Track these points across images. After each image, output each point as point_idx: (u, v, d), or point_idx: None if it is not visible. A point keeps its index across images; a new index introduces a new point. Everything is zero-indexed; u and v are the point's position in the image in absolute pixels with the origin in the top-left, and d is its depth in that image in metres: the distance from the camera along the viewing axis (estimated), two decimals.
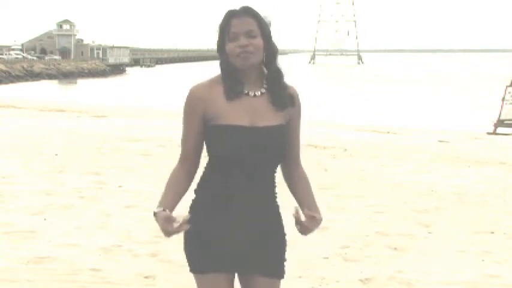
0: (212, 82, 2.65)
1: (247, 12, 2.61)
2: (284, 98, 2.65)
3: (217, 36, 2.64)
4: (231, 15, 2.60)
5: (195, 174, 2.70)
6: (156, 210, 2.58)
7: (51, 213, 6.98)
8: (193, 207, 2.67)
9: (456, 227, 6.93)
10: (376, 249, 6.03)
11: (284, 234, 2.74)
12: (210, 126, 2.60)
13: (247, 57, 2.57)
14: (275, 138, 2.61)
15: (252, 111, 2.60)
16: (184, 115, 2.66)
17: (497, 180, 9.95)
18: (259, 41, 2.59)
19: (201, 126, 2.62)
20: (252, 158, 2.57)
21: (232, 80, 2.61)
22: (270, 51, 2.64)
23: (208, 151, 2.65)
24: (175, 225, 2.52)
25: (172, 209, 2.61)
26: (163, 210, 2.57)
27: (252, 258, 2.65)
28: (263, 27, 2.61)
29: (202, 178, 2.68)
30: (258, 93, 2.64)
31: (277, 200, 2.73)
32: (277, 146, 2.62)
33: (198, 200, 2.67)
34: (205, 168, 2.68)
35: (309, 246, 5.35)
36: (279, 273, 2.72)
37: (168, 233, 2.56)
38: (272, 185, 2.69)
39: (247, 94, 2.62)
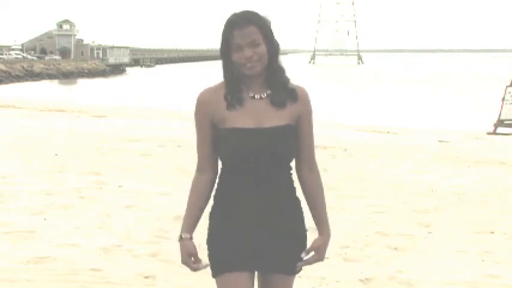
0: (219, 86, 2.69)
1: (248, 20, 2.60)
2: (282, 96, 2.66)
3: (220, 44, 2.65)
4: (232, 26, 2.60)
5: (215, 180, 2.74)
6: (183, 236, 2.69)
7: (51, 213, 6.98)
8: (212, 213, 2.73)
9: (456, 227, 6.93)
10: (376, 249, 6.03)
11: (303, 231, 2.75)
12: (217, 130, 2.65)
13: (254, 66, 2.60)
14: (281, 138, 2.63)
15: (257, 113, 2.63)
16: (195, 121, 2.70)
17: (497, 180, 9.95)
18: (262, 48, 2.60)
19: (212, 130, 2.67)
20: (259, 158, 2.60)
21: (233, 88, 2.64)
22: (272, 51, 2.65)
23: (219, 155, 2.69)
24: (196, 264, 2.69)
25: (196, 224, 2.72)
26: (191, 238, 2.69)
27: (270, 258, 2.67)
28: (265, 31, 2.62)
29: (218, 183, 2.72)
30: (264, 95, 2.66)
31: (297, 195, 2.73)
32: (284, 145, 2.64)
33: (216, 204, 2.71)
34: (221, 172, 2.72)
35: (309, 246, 5.35)
36: (295, 269, 2.76)
37: (186, 264, 2.71)
38: (287, 182, 2.70)
39: (253, 97, 2.65)
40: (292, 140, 2.67)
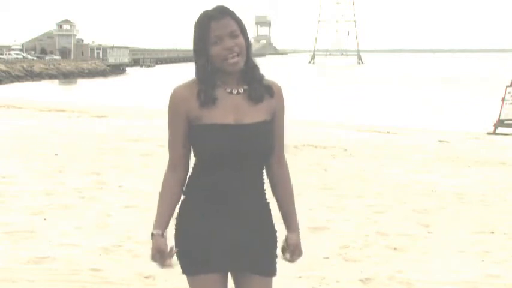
0: (194, 82, 2.64)
1: (225, 12, 2.59)
2: (259, 91, 2.64)
3: (194, 40, 2.62)
4: (209, 19, 2.57)
5: (186, 178, 2.69)
6: (155, 232, 2.63)
7: (51, 213, 6.98)
8: (183, 209, 2.68)
9: (456, 227, 6.93)
10: (376, 249, 6.03)
11: (274, 231, 2.73)
12: (194, 126, 2.61)
13: (236, 62, 2.57)
14: (261, 134, 2.61)
15: (235, 109, 2.61)
16: (169, 119, 2.66)
17: (497, 180, 9.95)
18: (241, 40, 2.59)
19: (187, 127, 2.63)
20: (239, 155, 2.58)
21: (206, 86, 2.60)
22: (248, 45, 2.63)
23: (195, 151, 2.65)
24: (164, 261, 2.62)
25: (169, 223, 2.66)
26: (162, 235, 2.62)
27: (244, 257, 2.64)
28: (241, 25, 2.61)
29: (190, 179, 2.68)
30: (241, 90, 2.64)
31: (267, 197, 2.73)
32: (264, 142, 2.62)
33: (188, 201, 2.67)
34: (193, 168, 2.68)
35: (309, 246, 5.34)
36: (272, 271, 2.72)
37: (155, 261, 2.63)
38: (261, 182, 2.69)
39: (230, 92, 2.62)
40: (270, 136, 2.65)
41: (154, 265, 2.66)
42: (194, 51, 2.63)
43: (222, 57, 2.56)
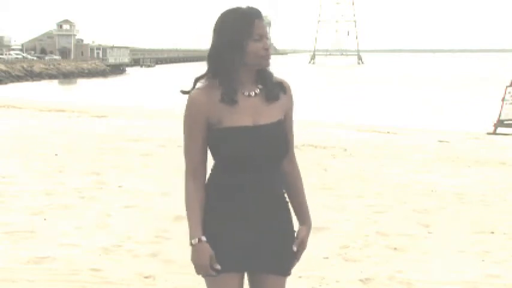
0: (208, 87, 2.64)
1: (261, 15, 2.66)
2: (275, 90, 2.68)
3: (229, 33, 2.58)
4: (254, 16, 2.61)
5: (205, 182, 2.70)
6: (203, 238, 2.60)
7: (51, 213, 6.98)
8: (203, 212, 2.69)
9: (456, 227, 6.93)
10: (376, 249, 6.03)
11: (293, 231, 2.76)
12: (214, 130, 2.62)
13: (269, 58, 2.65)
14: (278, 134, 2.65)
15: (252, 110, 2.63)
16: (187, 124, 2.64)
17: (497, 180, 9.95)
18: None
19: (206, 132, 2.63)
20: (258, 156, 2.61)
21: (229, 87, 2.62)
22: None
23: (214, 154, 2.65)
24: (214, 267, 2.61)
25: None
26: (207, 242, 2.61)
27: (263, 257, 2.66)
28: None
29: (209, 182, 2.69)
30: (257, 91, 2.67)
31: (286, 195, 2.75)
32: (281, 141, 2.66)
33: (208, 204, 2.67)
34: (212, 172, 2.69)
35: (309, 246, 5.34)
36: (287, 269, 2.76)
37: (207, 269, 2.60)
38: (279, 181, 2.71)
39: (248, 95, 2.65)
40: (285, 135, 2.69)
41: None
42: (227, 44, 2.58)
43: (260, 55, 2.61)
